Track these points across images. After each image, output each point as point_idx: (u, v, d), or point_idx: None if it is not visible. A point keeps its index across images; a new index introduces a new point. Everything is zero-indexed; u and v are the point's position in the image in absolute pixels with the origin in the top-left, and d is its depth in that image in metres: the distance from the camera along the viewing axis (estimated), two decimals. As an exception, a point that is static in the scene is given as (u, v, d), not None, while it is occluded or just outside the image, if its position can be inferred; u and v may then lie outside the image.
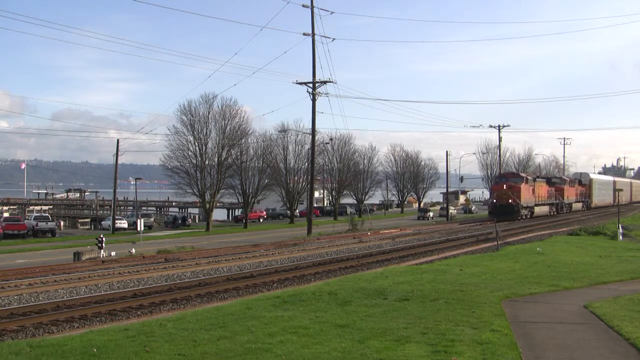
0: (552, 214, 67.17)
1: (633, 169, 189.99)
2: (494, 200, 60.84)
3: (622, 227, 36.23)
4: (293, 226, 63.59)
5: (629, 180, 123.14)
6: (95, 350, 9.26)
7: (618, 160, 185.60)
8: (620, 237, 33.65)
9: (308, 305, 13.07)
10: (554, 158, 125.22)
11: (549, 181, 70.14)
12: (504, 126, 79.16)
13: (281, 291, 16.55)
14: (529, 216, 61.15)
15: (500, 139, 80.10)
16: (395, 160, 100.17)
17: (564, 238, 35.00)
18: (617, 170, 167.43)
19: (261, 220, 79.64)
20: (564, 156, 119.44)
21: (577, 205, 78.59)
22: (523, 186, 59.85)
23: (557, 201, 69.91)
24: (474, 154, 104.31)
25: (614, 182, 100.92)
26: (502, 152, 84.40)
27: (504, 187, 59.14)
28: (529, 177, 63.02)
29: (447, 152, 77.64)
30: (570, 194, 74.96)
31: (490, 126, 79.59)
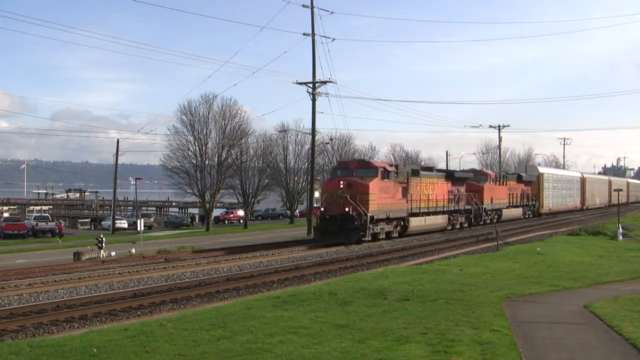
0: (455, 226, 43.45)
1: (633, 169, 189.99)
2: (322, 209, 34.99)
3: (622, 227, 36.24)
4: (293, 226, 63.58)
5: (607, 178, 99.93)
6: (95, 350, 9.27)
7: (618, 160, 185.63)
8: (620, 237, 33.66)
9: (308, 305, 13.08)
10: (554, 158, 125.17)
11: (451, 176, 43.92)
12: (504, 126, 79.09)
13: (281, 291, 16.55)
14: (394, 234, 35.92)
15: (500, 139, 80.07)
16: (395, 160, 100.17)
17: (564, 238, 35.01)
18: (617, 170, 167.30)
19: (241, 221, 78.44)
20: (563, 156, 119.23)
21: (514, 212, 54.25)
22: (375, 184, 33.13)
23: (470, 206, 45.67)
24: (474, 154, 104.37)
25: (583, 179, 78.12)
26: (502, 152, 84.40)
27: (341, 186, 32.69)
28: (390, 169, 35.25)
29: (447, 152, 77.03)
30: (498, 195, 50.74)
31: (490, 126, 79.51)
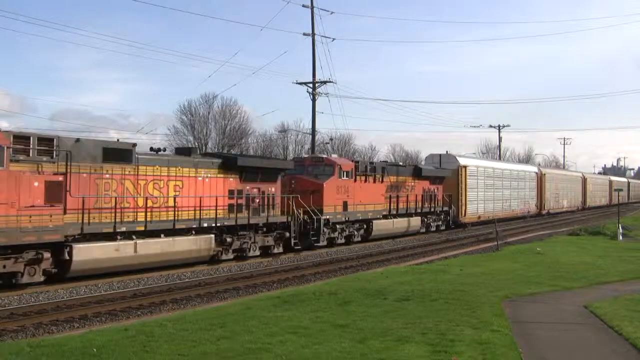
0: (244, 253, 24.24)
1: (633, 169, 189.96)
2: None
3: (622, 227, 36.23)
4: (293, 226, 63.57)
5: (579, 174, 78.16)
6: (95, 350, 9.28)
7: (618, 160, 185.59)
8: (620, 237, 33.66)
9: (308, 305, 13.09)
10: (554, 158, 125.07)
11: (231, 165, 23.74)
12: (504, 126, 79.05)
13: (281, 291, 16.57)
14: (22, 279, 16.74)
15: (500, 139, 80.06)
16: (395, 160, 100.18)
17: (564, 238, 35.01)
18: (617, 170, 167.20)
19: None
20: (564, 156, 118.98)
21: (401, 223, 34.82)
22: None
23: (289, 218, 26.13)
24: (474, 154, 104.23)
25: (540, 175, 59.21)
26: (502, 152, 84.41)
27: None
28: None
29: (447, 152, 76.17)
30: (362, 197, 31.19)
31: (490, 126, 79.46)
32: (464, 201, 43.41)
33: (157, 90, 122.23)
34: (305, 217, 26.98)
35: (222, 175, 23.56)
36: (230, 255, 23.66)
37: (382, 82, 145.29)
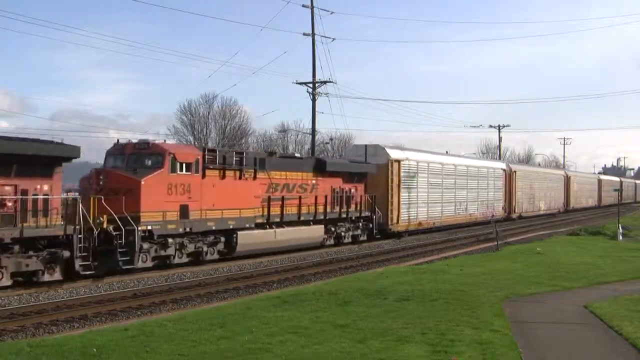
0: None
1: (633, 169, 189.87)
2: None
3: (622, 227, 36.22)
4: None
5: (562, 172, 70.04)
6: (95, 350, 9.28)
7: (618, 160, 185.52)
8: (620, 237, 33.66)
9: (308, 305, 13.09)
10: (554, 158, 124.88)
11: None
12: (504, 126, 79.05)
13: (281, 291, 16.57)
14: None
15: (500, 139, 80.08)
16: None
17: (564, 238, 35.02)
18: (617, 170, 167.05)
19: None
20: (563, 156, 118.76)
21: (290, 235, 25.81)
22: None
23: (61, 231, 17.56)
24: (474, 154, 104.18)
25: (510, 173, 50.92)
26: (502, 152, 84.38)
27: None
28: None
29: (446, 152, 75.97)
30: (213, 199, 22.07)
31: (490, 126, 79.46)
32: (395, 204, 34.06)
33: (157, 90, 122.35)
34: (110, 227, 18.83)
35: None
36: None
37: (382, 82, 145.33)
